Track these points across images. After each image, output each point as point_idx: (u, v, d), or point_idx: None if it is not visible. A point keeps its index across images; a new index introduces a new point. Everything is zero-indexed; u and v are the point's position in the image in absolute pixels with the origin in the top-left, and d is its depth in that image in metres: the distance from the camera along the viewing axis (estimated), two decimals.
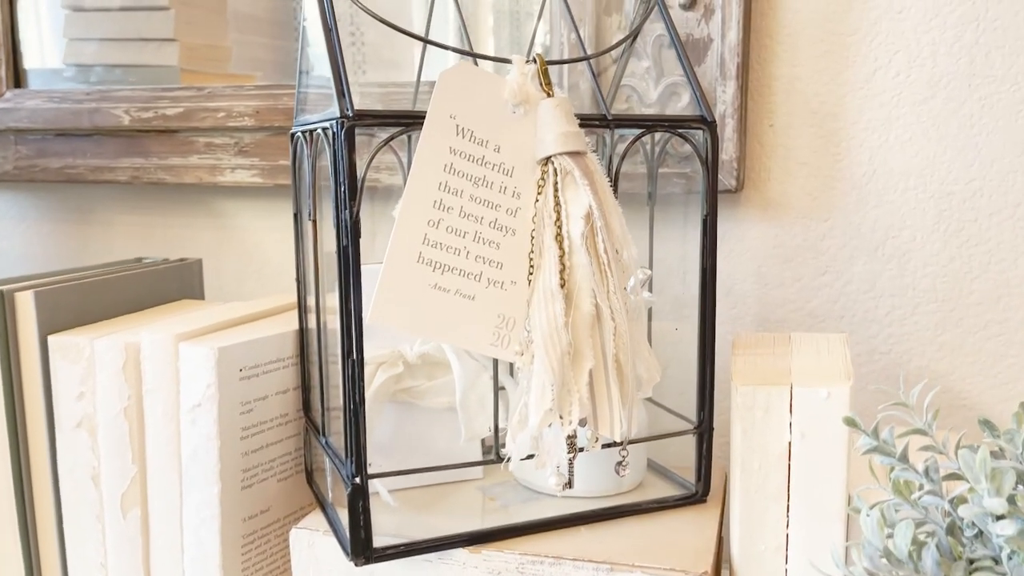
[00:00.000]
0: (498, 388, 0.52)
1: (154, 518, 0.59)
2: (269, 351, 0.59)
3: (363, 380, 0.48)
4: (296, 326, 0.61)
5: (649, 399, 0.66)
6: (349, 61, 0.86)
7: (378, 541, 0.51)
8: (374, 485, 0.55)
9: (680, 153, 0.74)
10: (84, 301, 0.62)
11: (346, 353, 0.48)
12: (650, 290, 0.63)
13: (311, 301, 0.58)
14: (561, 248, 0.48)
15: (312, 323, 0.58)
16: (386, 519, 0.55)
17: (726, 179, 0.72)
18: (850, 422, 0.42)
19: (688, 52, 0.71)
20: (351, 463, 0.49)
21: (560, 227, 0.48)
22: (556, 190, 0.48)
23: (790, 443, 0.49)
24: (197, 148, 0.88)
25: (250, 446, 0.58)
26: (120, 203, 0.95)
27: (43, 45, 0.98)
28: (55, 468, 0.60)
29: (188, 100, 0.87)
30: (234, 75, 0.94)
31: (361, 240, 0.48)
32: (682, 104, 0.72)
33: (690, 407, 0.59)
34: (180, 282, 0.72)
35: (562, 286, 0.48)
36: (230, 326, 0.61)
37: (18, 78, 0.97)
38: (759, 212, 0.74)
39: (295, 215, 0.60)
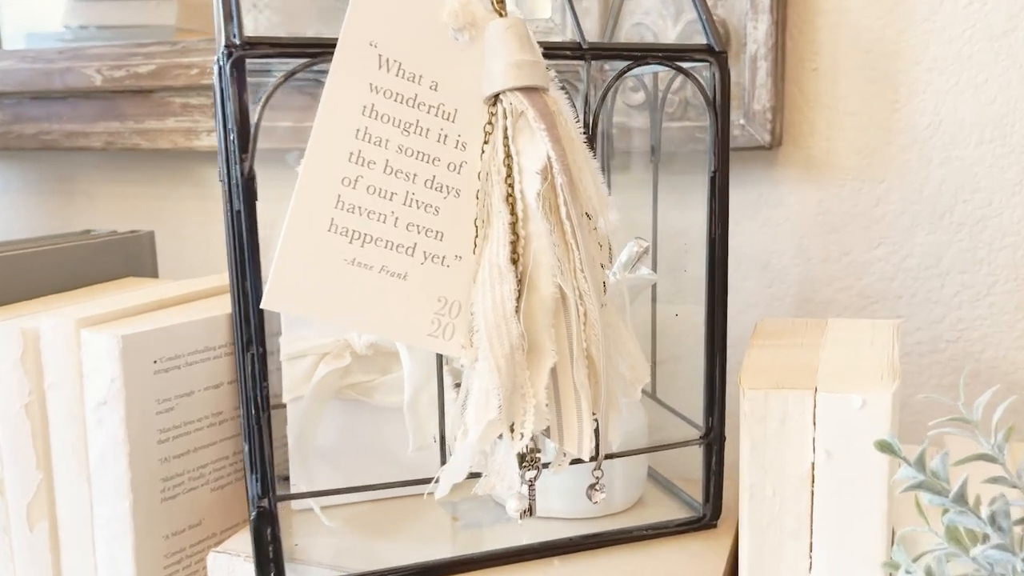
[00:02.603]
0: (443, 390, 0.42)
1: (64, 531, 0.50)
2: (193, 338, 0.50)
3: (266, 379, 0.39)
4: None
5: (654, 398, 0.55)
6: None
7: (305, 573, 0.42)
8: (307, 501, 0.46)
9: (703, 103, 0.62)
10: None
11: (244, 346, 0.38)
12: (653, 268, 0.52)
13: None
14: (513, 212, 0.37)
15: None
16: (324, 543, 0.46)
17: (759, 133, 0.61)
18: (884, 447, 0.31)
19: None
20: (255, 482, 0.40)
21: (512, 185, 0.37)
22: (506, 137, 0.37)
23: (813, 464, 0.38)
24: (173, 110, 0.80)
25: (171, 450, 0.49)
26: (100, 172, 0.88)
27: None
28: None
29: (161, 56, 0.79)
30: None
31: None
32: None
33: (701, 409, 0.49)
34: (126, 257, 0.63)
35: (514, 262, 0.37)
36: (154, 308, 0.52)
37: None
38: (800, 173, 0.63)
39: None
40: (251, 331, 0.38)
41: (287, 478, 0.49)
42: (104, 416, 0.47)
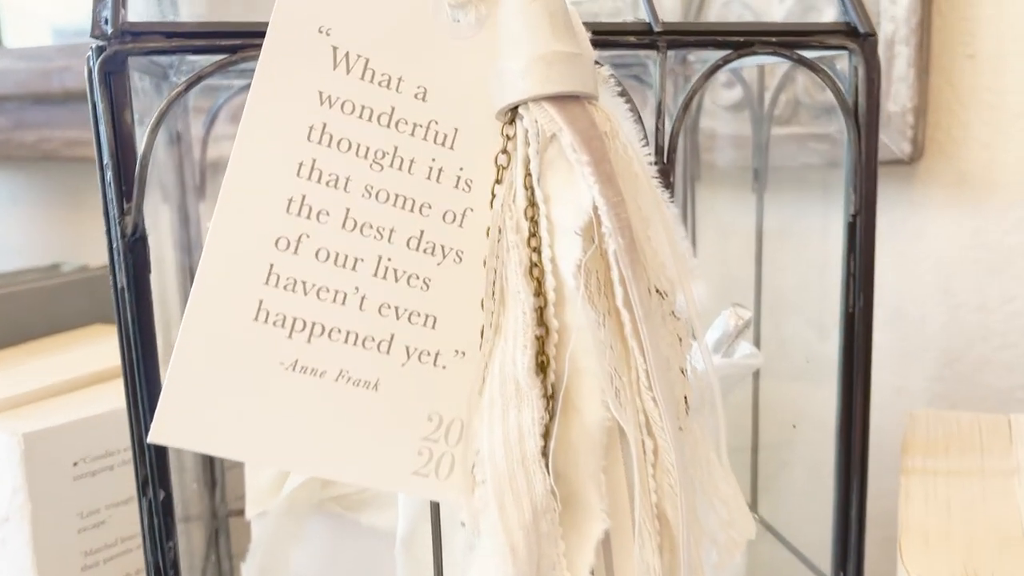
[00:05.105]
0: (440, 533, 0.28)
1: None
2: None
3: (171, 538, 0.26)
4: None
5: (754, 514, 0.40)
6: None
7: None
8: None
9: (819, 102, 0.48)
10: None
11: (141, 488, 0.26)
12: (756, 340, 0.37)
13: None
14: (540, 293, 0.24)
15: None
16: None
17: (896, 143, 0.46)
18: None
19: None
20: None
21: (538, 250, 0.24)
22: (528, 175, 0.24)
23: None
24: None
25: None
26: None
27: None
28: None
29: None
30: None
31: None
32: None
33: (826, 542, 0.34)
34: (94, 299, 0.52)
35: (541, 368, 0.24)
36: (93, 382, 0.40)
37: None
38: (949, 194, 0.48)
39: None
40: (149, 469, 0.25)
41: None
42: (7, 537, 0.35)
